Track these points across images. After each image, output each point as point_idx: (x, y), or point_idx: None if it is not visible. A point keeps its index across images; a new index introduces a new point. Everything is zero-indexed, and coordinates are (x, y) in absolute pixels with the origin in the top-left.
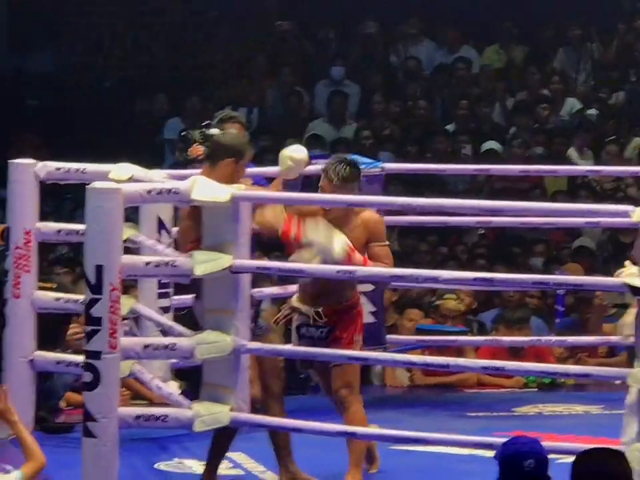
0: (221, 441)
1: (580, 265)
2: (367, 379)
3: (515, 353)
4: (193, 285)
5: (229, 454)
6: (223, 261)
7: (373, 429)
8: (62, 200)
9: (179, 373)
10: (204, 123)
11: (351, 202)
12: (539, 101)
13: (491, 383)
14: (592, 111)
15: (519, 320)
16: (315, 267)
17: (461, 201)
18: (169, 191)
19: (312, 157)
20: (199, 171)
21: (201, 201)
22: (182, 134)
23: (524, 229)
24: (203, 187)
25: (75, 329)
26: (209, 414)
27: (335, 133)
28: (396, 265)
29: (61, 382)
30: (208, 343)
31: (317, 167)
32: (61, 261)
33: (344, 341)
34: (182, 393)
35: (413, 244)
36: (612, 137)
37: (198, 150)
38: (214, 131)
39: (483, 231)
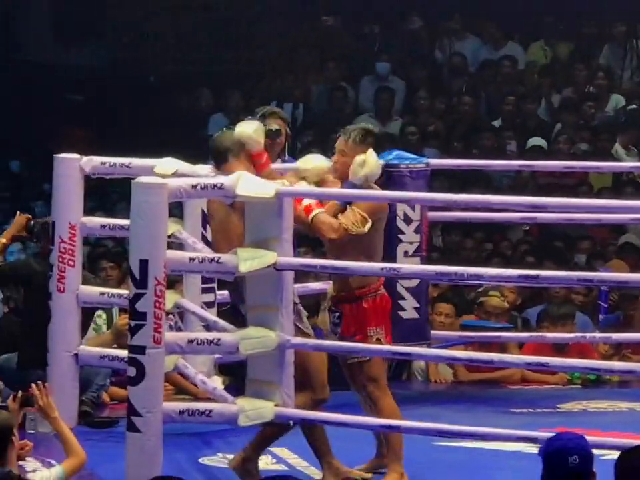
0: (266, 434)
1: (625, 262)
2: (410, 374)
3: (559, 349)
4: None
5: (272, 449)
6: (268, 258)
7: (417, 423)
8: (106, 194)
9: (223, 368)
10: (244, 119)
11: (395, 198)
12: (584, 97)
13: (535, 379)
14: (634, 106)
15: (564, 316)
16: (358, 264)
17: (506, 197)
18: (214, 185)
19: None
20: None
21: (246, 196)
22: (223, 129)
23: (568, 225)
24: (248, 182)
25: (126, 319)
26: (253, 409)
27: (381, 128)
28: (440, 262)
29: (94, 373)
30: (252, 338)
31: None
32: (107, 255)
33: (357, 337)
34: (226, 388)
35: (458, 240)
36: None
37: None
38: None
39: (527, 227)
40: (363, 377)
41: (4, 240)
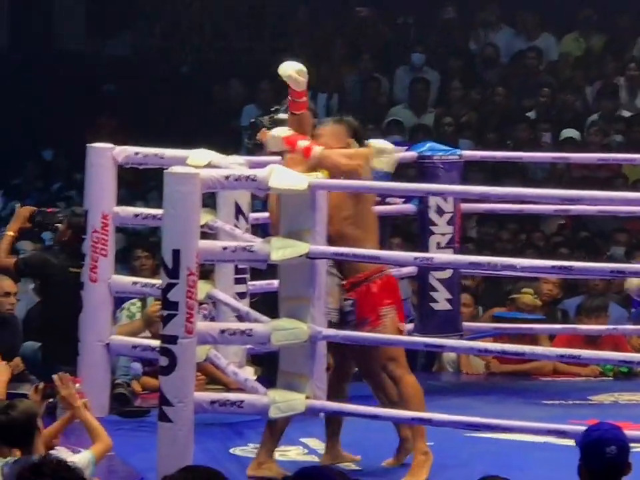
0: (272, 431)
1: None
2: (440, 366)
3: (592, 341)
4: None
5: (303, 439)
6: (301, 247)
7: (447, 416)
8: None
9: (255, 359)
10: (272, 109)
11: (429, 191)
12: (617, 89)
13: (567, 371)
14: None
15: (597, 308)
16: (393, 254)
17: (538, 190)
18: (247, 177)
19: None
20: (275, 158)
21: (279, 189)
22: (251, 121)
23: (603, 217)
24: (281, 175)
25: (157, 306)
26: (284, 401)
27: (415, 119)
28: (475, 253)
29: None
30: (284, 330)
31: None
32: (142, 244)
33: (371, 321)
34: (258, 379)
35: (492, 232)
36: None
37: (265, 135)
38: (283, 117)
39: (563, 221)
40: (382, 357)
41: (11, 232)
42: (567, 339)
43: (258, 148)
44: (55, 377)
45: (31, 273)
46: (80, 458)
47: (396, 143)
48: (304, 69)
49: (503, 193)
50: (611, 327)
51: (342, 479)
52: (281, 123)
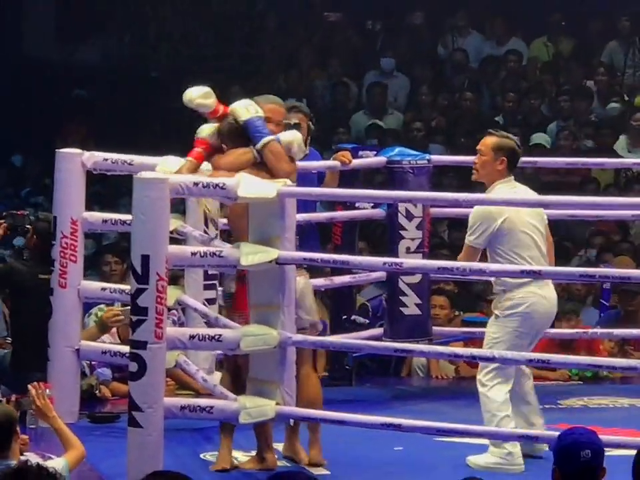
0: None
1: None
2: (410, 371)
3: (567, 345)
4: None
5: (274, 445)
6: (270, 253)
7: (417, 421)
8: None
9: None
10: None
11: (398, 198)
12: (585, 94)
13: (537, 375)
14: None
15: (569, 311)
16: (362, 259)
17: (509, 196)
18: (216, 185)
19: (354, 149)
20: None
21: (247, 197)
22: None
23: (573, 221)
24: (249, 184)
25: (112, 311)
26: (254, 406)
27: (377, 122)
28: (447, 257)
29: None
30: (253, 335)
31: (362, 160)
32: (111, 250)
33: None
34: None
35: (462, 236)
36: None
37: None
38: None
39: None
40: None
41: None
42: (543, 343)
43: None
44: (30, 387)
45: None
46: (54, 464)
47: (358, 148)
48: (207, 89)
49: (473, 199)
50: (581, 330)
51: None
52: None
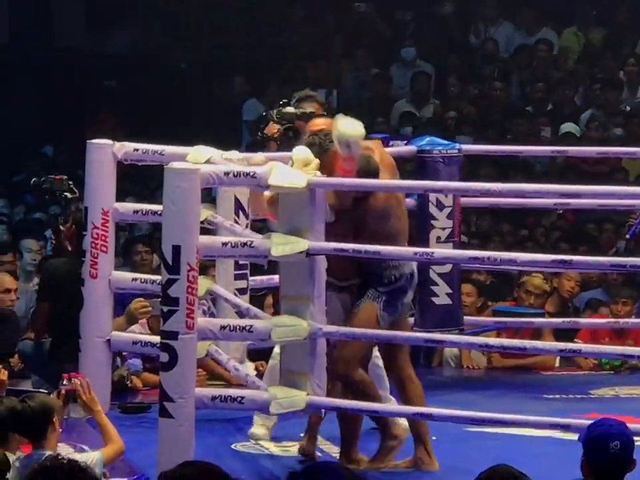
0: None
1: None
2: (441, 361)
3: (619, 334)
4: None
5: (304, 435)
6: (301, 244)
7: (448, 410)
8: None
9: (255, 354)
10: (281, 102)
11: (429, 188)
12: (621, 82)
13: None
14: None
15: (625, 295)
16: (393, 249)
17: (539, 185)
18: (247, 174)
19: (385, 138)
20: (274, 154)
21: (278, 186)
22: (263, 114)
23: (604, 211)
24: (281, 173)
25: (140, 303)
26: (285, 397)
27: (417, 112)
28: (475, 247)
29: None
30: (284, 326)
31: (393, 149)
32: (142, 240)
33: None
34: (261, 375)
35: (492, 226)
36: None
37: (273, 128)
38: (290, 110)
39: (560, 211)
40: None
41: None
42: (592, 331)
43: (266, 140)
44: (75, 381)
45: (56, 286)
46: (88, 457)
47: (387, 138)
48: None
49: (503, 189)
50: (613, 320)
51: (350, 477)
52: (288, 115)
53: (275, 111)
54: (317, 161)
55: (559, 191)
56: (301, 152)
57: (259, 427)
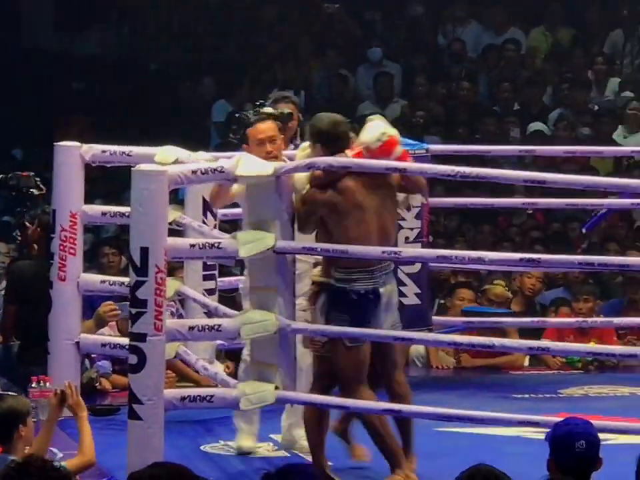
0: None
1: None
2: (407, 361)
3: (582, 332)
4: None
5: (272, 436)
6: (267, 240)
7: (418, 407)
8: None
9: (229, 354)
10: (257, 103)
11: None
12: (588, 82)
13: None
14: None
15: (586, 292)
16: (361, 249)
17: (508, 171)
18: (214, 169)
19: None
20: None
21: (245, 176)
22: (235, 115)
23: (573, 210)
24: (247, 163)
25: (109, 306)
26: (254, 392)
27: (381, 112)
28: (443, 246)
29: None
30: (253, 323)
31: None
32: (108, 242)
33: None
34: (235, 374)
35: (459, 226)
36: None
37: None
38: (267, 110)
39: (530, 211)
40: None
41: None
42: (556, 330)
43: (242, 141)
44: (65, 384)
45: (23, 288)
46: None
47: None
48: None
49: (469, 173)
50: (580, 319)
51: (324, 477)
52: (265, 116)
53: (251, 112)
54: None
55: (528, 177)
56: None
57: (244, 439)
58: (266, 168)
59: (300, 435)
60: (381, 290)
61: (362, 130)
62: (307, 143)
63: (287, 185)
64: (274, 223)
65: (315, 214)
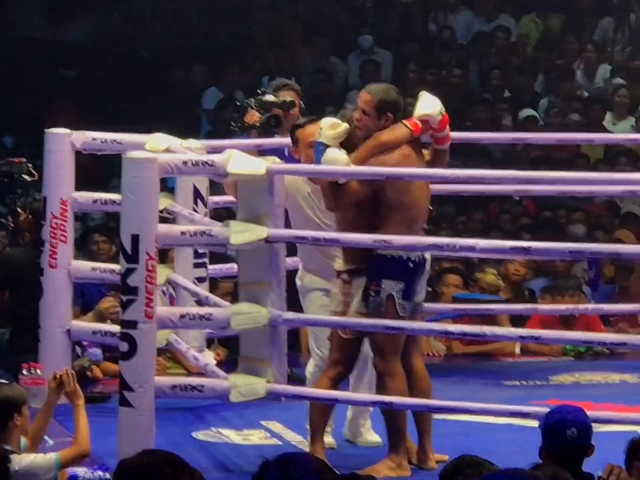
0: None
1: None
2: None
3: (566, 321)
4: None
5: (265, 423)
6: (259, 231)
7: (408, 399)
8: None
9: (222, 341)
10: (259, 91)
11: (390, 175)
12: (574, 69)
13: (533, 349)
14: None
15: (572, 287)
16: (352, 237)
17: (500, 171)
18: (205, 163)
19: None
20: (233, 142)
21: (237, 174)
22: (237, 103)
23: (563, 197)
24: (239, 160)
25: (110, 302)
26: (245, 385)
27: None
28: (434, 234)
29: None
30: (243, 314)
31: None
32: (99, 229)
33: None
34: (225, 361)
35: (452, 213)
36: None
37: (254, 117)
38: (269, 98)
39: (518, 198)
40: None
41: None
42: (541, 319)
43: (245, 129)
44: (62, 371)
45: (14, 275)
46: (42, 458)
47: None
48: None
49: (463, 175)
50: (572, 306)
51: (322, 465)
52: (267, 104)
53: (253, 100)
54: (346, 125)
55: (518, 177)
56: (329, 119)
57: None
58: (258, 167)
59: (367, 426)
60: (427, 256)
61: (419, 101)
62: (328, 119)
63: (280, 183)
64: (266, 218)
65: (378, 180)
